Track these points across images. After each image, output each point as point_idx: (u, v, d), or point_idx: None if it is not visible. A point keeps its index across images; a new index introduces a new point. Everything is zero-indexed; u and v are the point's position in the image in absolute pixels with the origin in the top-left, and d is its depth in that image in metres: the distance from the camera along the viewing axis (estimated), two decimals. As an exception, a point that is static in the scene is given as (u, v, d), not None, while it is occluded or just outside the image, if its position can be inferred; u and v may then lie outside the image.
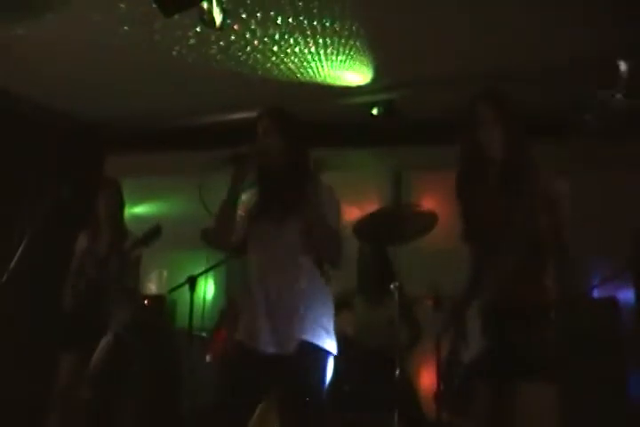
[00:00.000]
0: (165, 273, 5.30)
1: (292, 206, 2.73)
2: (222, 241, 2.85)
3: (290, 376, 2.66)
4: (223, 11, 3.53)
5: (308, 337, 2.68)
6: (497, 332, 2.37)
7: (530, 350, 2.32)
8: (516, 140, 2.41)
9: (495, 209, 2.42)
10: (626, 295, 4.61)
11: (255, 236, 2.81)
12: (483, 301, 2.41)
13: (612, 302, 4.55)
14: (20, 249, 3.00)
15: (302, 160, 2.80)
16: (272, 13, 3.85)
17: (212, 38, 4.07)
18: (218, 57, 4.31)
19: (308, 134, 2.86)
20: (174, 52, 4.24)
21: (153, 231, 3.72)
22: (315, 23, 3.96)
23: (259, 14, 3.88)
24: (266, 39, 4.13)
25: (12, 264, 2.96)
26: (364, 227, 4.04)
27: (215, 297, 5.33)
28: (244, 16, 3.86)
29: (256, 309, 2.73)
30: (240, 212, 2.80)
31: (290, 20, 3.91)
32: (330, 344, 2.74)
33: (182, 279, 4.06)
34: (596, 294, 4.66)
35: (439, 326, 3.95)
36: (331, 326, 2.78)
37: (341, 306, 4.56)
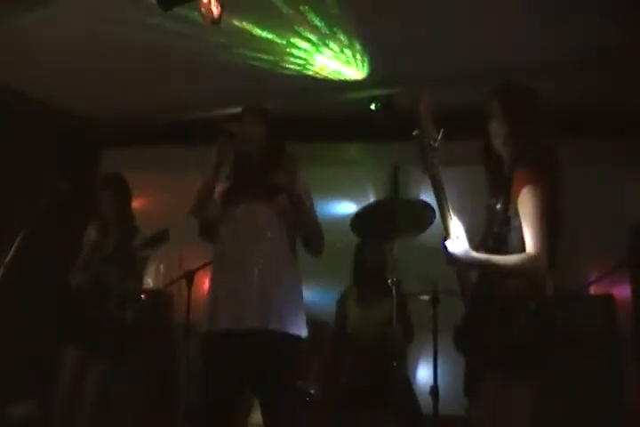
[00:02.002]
0: (162, 267, 5.29)
1: (263, 194, 2.87)
2: (198, 212, 2.93)
3: (262, 361, 2.73)
4: (221, 5, 3.51)
5: (277, 323, 2.75)
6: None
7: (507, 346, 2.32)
8: (521, 135, 2.41)
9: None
10: (622, 292, 4.62)
11: (227, 221, 2.91)
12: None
13: (608, 299, 4.56)
14: (16, 244, 3.00)
15: (277, 152, 2.97)
16: (270, 8, 3.84)
17: (210, 33, 4.05)
18: (216, 52, 4.30)
19: (285, 130, 3.05)
20: (172, 48, 4.22)
21: (160, 235, 3.72)
22: (314, 18, 3.95)
23: (257, 8, 3.87)
24: (264, 34, 4.12)
25: (8, 258, 2.96)
26: (361, 222, 4.03)
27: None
28: (242, 10, 3.85)
29: (223, 293, 2.81)
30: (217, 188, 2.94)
31: (288, 14, 3.90)
32: (299, 329, 2.82)
33: (179, 273, 4.07)
34: (592, 290, 4.67)
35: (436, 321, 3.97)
36: (302, 311, 2.88)
37: (340, 302, 4.57)
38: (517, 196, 2.30)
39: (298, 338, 2.82)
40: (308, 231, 2.90)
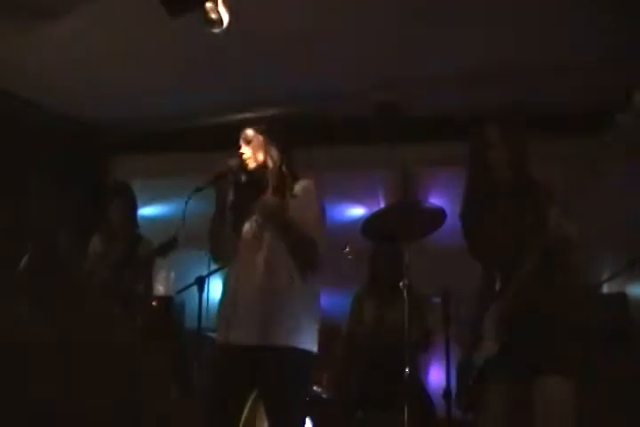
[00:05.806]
0: (173, 274, 5.29)
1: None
2: (216, 255, 2.99)
3: (268, 377, 2.68)
4: (228, 10, 3.51)
5: (285, 339, 2.70)
6: (512, 332, 2.45)
7: (545, 348, 2.42)
8: (520, 159, 2.55)
9: (506, 225, 2.52)
10: (636, 291, 4.58)
11: (237, 236, 2.88)
12: (498, 306, 2.50)
13: (621, 298, 4.52)
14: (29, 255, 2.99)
15: (287, 164, 2.88)
16: (273, 12, 3.84)
17: (216, 38, 4.04)
18: (220, 57, 4.29)
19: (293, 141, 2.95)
20: (178, 53, 4.23)
21: (169, 243, 3.74)
22: (316, 21, 3.95)
23: (260, 13, 3.87)
24: (268, 39, 4.11)
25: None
26: (373, 225, 4.01)
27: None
28: (245, 15, 3.84)
29: (234, 308, 2.76)
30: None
31: (291, 18, 3.89)
32: (310, 344, 2.76)
33: (190, 280, 4.07)
34: (605, 289, 4.63)
35: (448, 323, 3.95)
36: (312, 326, 2.80)
37: (354, 305, 4.55)
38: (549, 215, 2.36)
39: (308, 353, 2.76)
40: (296, 252, 2.78)
